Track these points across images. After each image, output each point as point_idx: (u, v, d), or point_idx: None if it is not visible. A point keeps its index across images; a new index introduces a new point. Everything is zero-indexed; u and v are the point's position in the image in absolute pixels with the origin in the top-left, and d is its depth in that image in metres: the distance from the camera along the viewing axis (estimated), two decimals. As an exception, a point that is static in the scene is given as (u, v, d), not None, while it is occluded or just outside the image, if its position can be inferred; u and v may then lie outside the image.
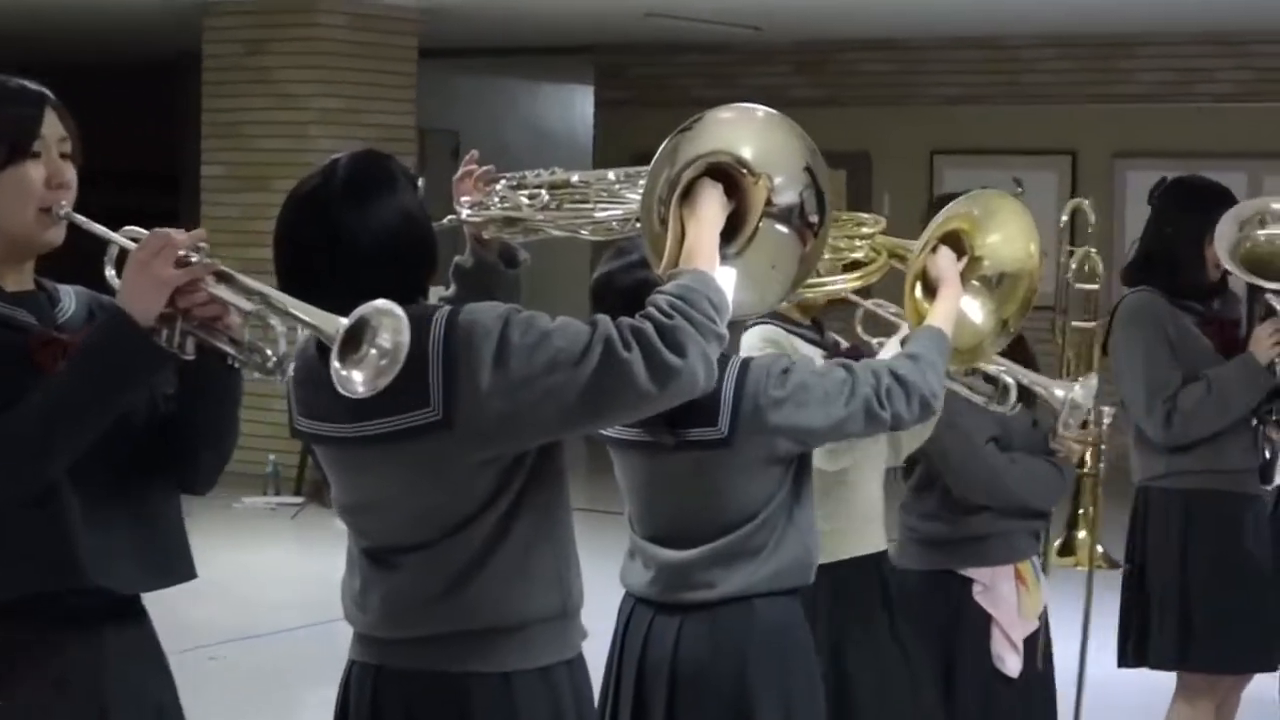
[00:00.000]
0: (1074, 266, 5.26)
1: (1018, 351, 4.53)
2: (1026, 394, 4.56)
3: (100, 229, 3.17)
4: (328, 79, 12.77)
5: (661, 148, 3.29)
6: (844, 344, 4.44)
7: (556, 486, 3.29)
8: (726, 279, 3.26)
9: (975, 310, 4.14)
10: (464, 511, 3.19)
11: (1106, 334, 5.65)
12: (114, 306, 3.07)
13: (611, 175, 3.56)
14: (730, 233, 3.34)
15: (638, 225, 3.37)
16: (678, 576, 3.92)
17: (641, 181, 3.38)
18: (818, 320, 4.51)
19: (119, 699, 3.22)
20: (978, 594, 4.71)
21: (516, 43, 16.54)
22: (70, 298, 3.30)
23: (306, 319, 2.92)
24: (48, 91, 3.21)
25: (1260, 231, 5.43)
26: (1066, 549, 5.35)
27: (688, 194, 3.29)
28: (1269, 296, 5.43)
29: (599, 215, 3.51)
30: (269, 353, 3.06)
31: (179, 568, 3.36)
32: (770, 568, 3.89)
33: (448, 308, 3.16)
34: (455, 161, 3.86)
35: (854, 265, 4.06)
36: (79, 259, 3.49)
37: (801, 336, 4.43)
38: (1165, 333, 5.52)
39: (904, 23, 14.32)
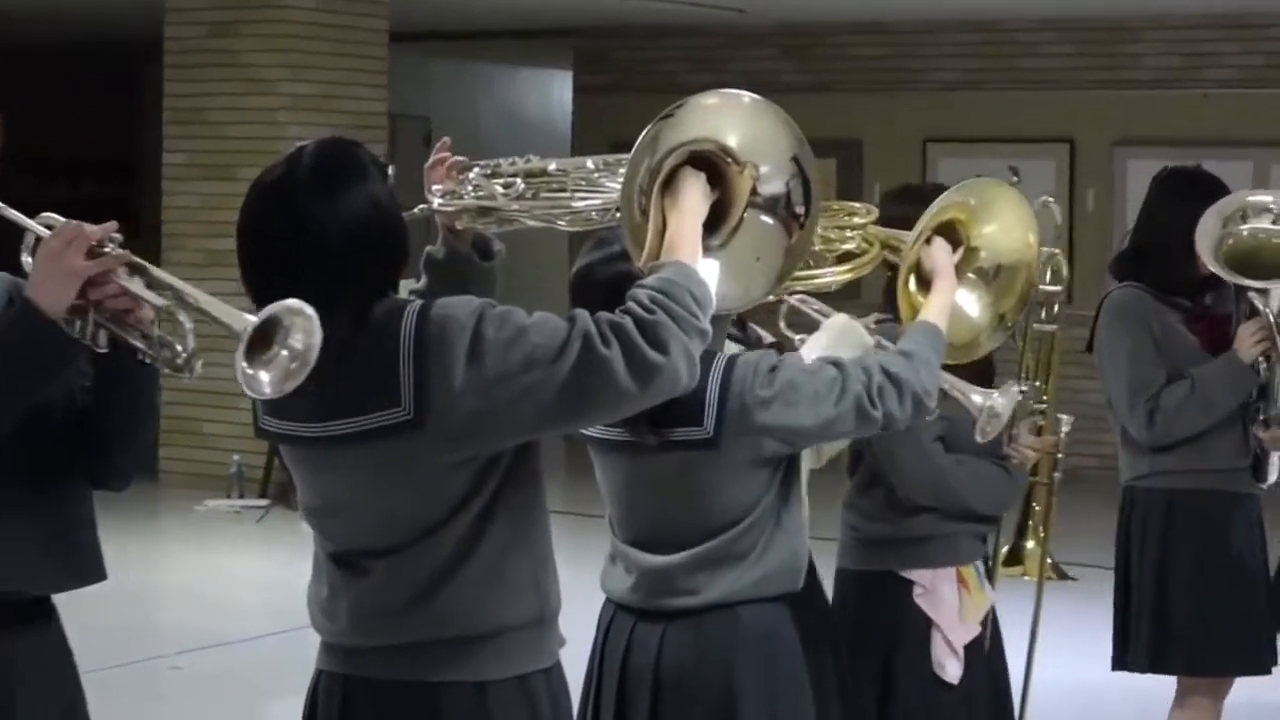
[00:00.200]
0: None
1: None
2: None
3: (15, 215, 3.20)
4: (297, 63, 12.75)
5: (642, 135, 3.29)
6: (767, 338, 4.44)
7: (533, 488, 3.29)
8: (709, 272, 3.27)
9: (971, 304, 4.15)
10: (436, 514, 3.19)
11: (1092, 331, 5.72)
12: (24, 296, 3.10)
13: (590, 163, 3.56)
14: (714, 224, 3.35)
15: (617, 216, 3.37)
16: (660, 582, 3.92)
17: (621, 170, 3.38)
18: (741, 316, 4.51)
19: (27, 700, 3.24)
20: (918, 597, 4.72)
21: (492, 25, 16.53)
22: None
23: (215, 315, 2.95)
24: None
25: (1243, 226, 5.48)
26: (1014, 558, 5.38)
27: (669, 183, 3.30)
28: (1252, 295, 5.50)
29: (577, 205, 3.51)
30: (179, 348, 3.09)
31: (90, 568, 3.39)
32: (757, 573, 3.89)
33: (419, 302, 3.17)
34: (427, 149, 3.86)
35: (845, 257, 4.07)
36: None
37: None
38: (1149, 330, 5.59)
39: (895, 4, 14.32)
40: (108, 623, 8.82)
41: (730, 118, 3.38)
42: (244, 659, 8.65)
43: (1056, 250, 5.28)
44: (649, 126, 3.30)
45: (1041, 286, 5.17)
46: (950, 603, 4.73)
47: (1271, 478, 5.60)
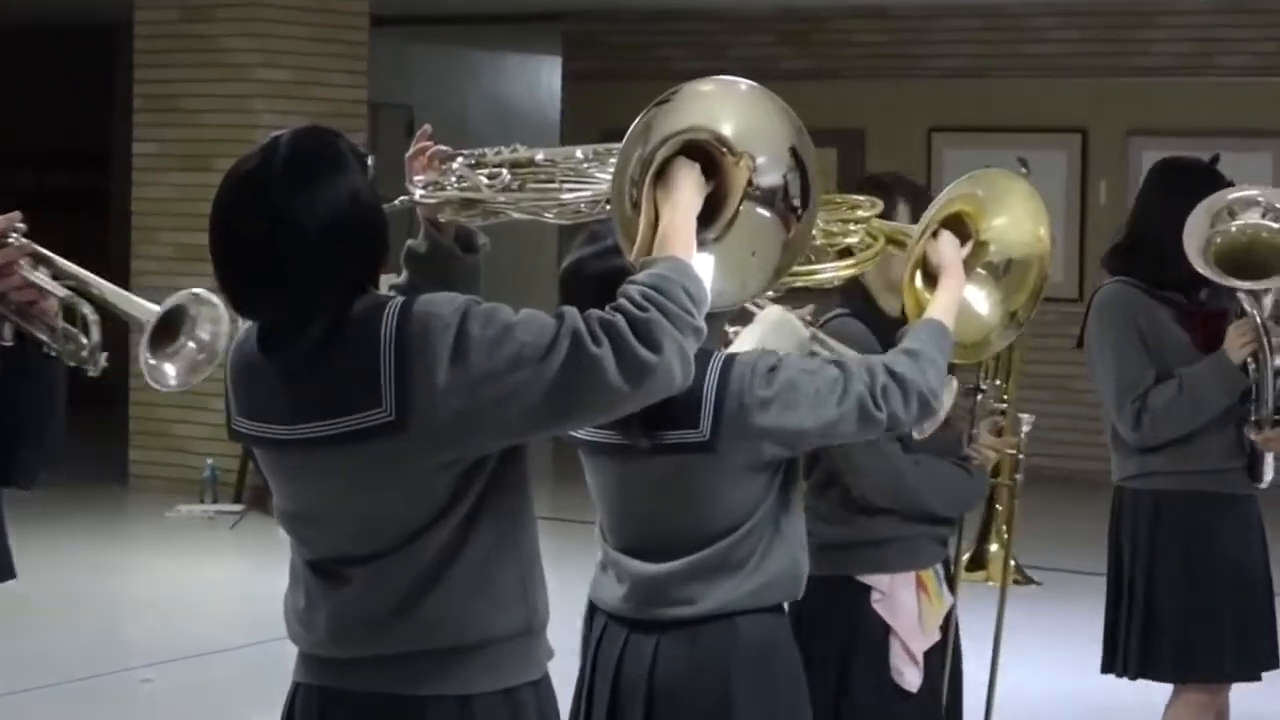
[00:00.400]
0: None
1: None
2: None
3: None
4: (273, 49, 12.75)
5: (634, 124, 3.29)
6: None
7: (520, 493, 3.29)
8: (704, 267, 3.27)
9: (981, 301, 4.15)
10: (419, 520, 3.19)
11: (1083, 328, 5.79)
12: None
13: (579, 153, 3.56)
14: (708, 216, 3.35)
15: (607, 208, 3.37)
16: (654, 591, 3.92)
17: (612, 160, 3.38)
18: None
19: None
20: (876, 602, 4.72)
21: (478, 9, 16.53)
22: None
23: (120, 305, 2.96)
24: None
25: (1233, 223, 5.52)
26: (976, 562, 5.40)
27: (662, 174, 3.30)
28: (1240, 295, 5.54)
29: (565, 197, 3.51)
30: (84, 340, 3.10)
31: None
32: (755, 582, 3.90)
33: (401, 298, 3.17)
34: (410, 139, 3.85)
35: (848, 251, 4.07)
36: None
37: None
38: (1137, 327, 5.66)
39: (899, -12, 14.35)
40: (74, 633, 8.84)
41: (726, 106, 3.38)
42: (218, 671, 8.65)
43: None
44: (641, 115, 3.30)
45: None
46: (909, 609, 4.74)
47: (1267, 478, 5.66)
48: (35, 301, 3.11)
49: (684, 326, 3.10)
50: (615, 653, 3.97)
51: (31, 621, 8.58)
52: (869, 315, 4.82)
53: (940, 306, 4.00)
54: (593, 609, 4.08)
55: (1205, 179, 5.75)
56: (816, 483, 4.79)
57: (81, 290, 3.06)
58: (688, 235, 3.25)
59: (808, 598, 4.70)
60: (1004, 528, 5.50)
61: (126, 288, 3.33)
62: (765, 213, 3.42)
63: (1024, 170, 4.56)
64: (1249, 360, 5.57)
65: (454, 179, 3.65)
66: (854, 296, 4.78)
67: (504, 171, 3.59)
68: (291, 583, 3.37)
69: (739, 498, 3.87)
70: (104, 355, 3.13)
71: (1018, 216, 4.14)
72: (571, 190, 3.50)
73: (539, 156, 3.59)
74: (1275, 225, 5.51)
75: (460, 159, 3.67)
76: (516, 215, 3.59)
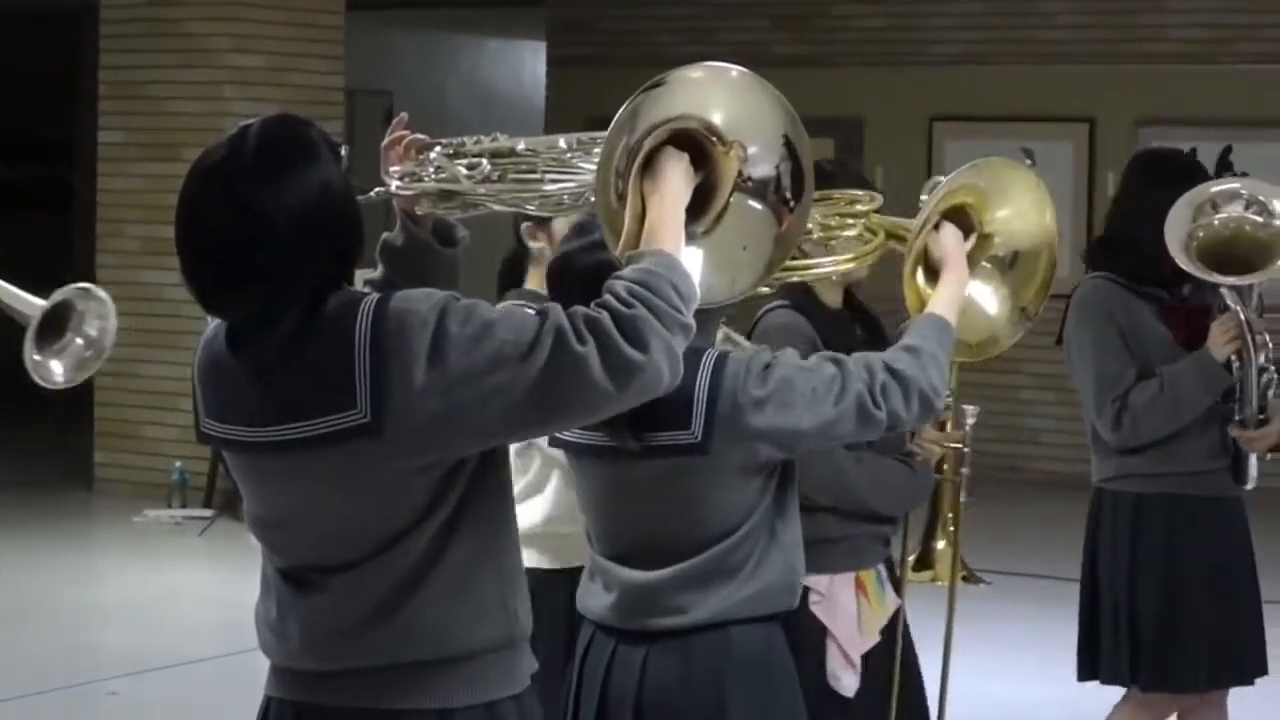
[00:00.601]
0: None
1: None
2: None
3: None
4: (245, 33, 12.74)
5: (620, 112, 3.29)
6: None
7: (500, 498, 3.29)
8: (693, 261, 3.26)
9: (987, 296, 4.14)
10: (395, 526, 3.19)
11: (1062, 324, 5.81)
12: None
13: (563, 143, 3.56)
14: (697, 209, 3.35)
15: (592, 200, 3.36)
16: (644, 600, 3.92)
17: (597, 150, 3.38)
18: None
19: None
20: (814, 604, 4.73)
21: (459, -8, 16.54)
22: None
23: (2, 300, 2.96)
24: None
25: (1215, 216, 5.53)
26: (923, 562, 5.40)
27: (649, 165, 3.30)
28: (1224, 291, 5.56)
29: (548, 188, 3.51)
30: None
31: None
32: (750, 590, 3.90)
33: (376, 295, 3.17)
34: (388, 127, 3.85)
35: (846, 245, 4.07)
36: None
37: None
38: (1116, 324, 5.68)
39: (900, -29, 14.35)
40: (37, 644, 8.84)
41: (716, 93, 3.38)
42: (187, 683, 8.65)
43: None
44: (627, 103, 3.30)
45: None
46: (848, 611, 4.75)
47: (1252, 479, 5.68)
48: None
49: (672, 324, 3.10)
50: (602, 664, 3.97)
51: (-8, 631, 8.61)
52: (810, 308, 4.84)
53: (942, 301, 4.00)
54: (580, 619, 4.08)
55: (1187, 171, 5.76)
56: None
57: None
58: (676, 228, 3.25)
59: None
60: (950, 524, 5.49)
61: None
62: (757, 205, 3.42)
63: (1029, 161, 4.57)
64: (1233, 358, 5.58)
65: (432, 169, 3.64)
66: (794, 289, 4.75)
67: (484, 162, 3.58)
68: (263, 591, 3.36)
69: (733, 501, 3.87)
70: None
71: (1023, 207, 4.13)
72: (555, 181, 3.50)
73: (520, 146, 3.59)
74: (1259, 218, 5.51)
75: (438, 148, 3.67)
76: (497, 207, 3.59)
